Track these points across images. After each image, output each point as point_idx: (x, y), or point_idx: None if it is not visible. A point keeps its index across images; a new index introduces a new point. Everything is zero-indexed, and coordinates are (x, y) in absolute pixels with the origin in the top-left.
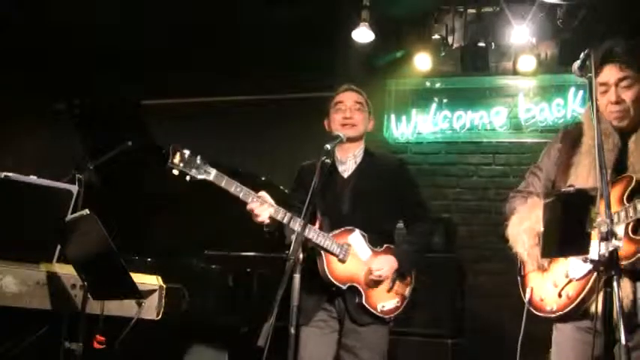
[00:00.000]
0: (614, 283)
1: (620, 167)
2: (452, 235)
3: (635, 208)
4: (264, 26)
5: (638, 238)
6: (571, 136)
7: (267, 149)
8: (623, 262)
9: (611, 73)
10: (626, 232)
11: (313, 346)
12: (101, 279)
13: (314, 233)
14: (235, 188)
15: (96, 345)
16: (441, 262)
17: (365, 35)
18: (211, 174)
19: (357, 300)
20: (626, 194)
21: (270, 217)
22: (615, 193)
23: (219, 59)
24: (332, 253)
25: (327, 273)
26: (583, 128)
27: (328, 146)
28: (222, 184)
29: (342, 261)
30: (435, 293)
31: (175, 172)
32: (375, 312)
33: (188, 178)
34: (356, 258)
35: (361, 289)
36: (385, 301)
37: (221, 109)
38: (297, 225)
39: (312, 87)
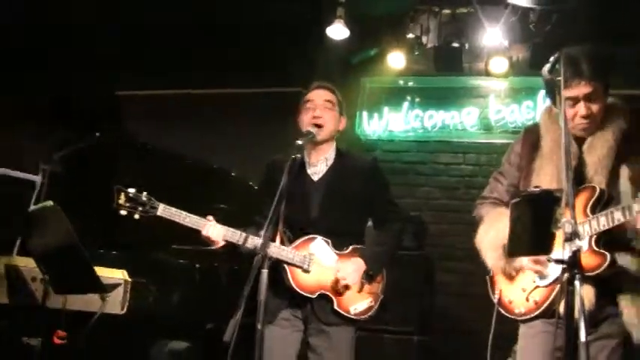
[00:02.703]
0: (576, 282)
1: (578, 175)
2: (421, 233)
3: (598, 222)
4: (241, 22)
5: (601, 251)
6: (530, 138)
7: (241, 144)
8: (587, 274)
9: (580, 88)
10: (590, 245)
11: (276, 344)
12: (63, 272)
13: (274, 249)
14: (184, 219)
15: (56, 341)
16: (410, 259)
17: (340, 32)
18: (158, 209)
19: (328, 306)
20: (589, 205)
21: (226, 240)
22: (579, 202)
23: (195, 54)
24: (295, 266)
25: (294, 285)
26: (541, 131)
27: (300, 142)
28: (171, 217)
29: (307, 271)
30: (403, 291)
31: (123, 212)
32: (348, 315)
33: (137, 216)
34: (321, 266)
35: (331, 295)
36: (357, 303)
37: (196, 103)
38: (253, 243)
39: (287, 82)
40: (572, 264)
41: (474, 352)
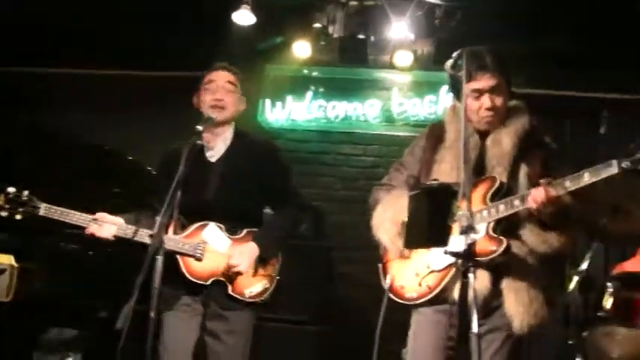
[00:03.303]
0: (470, 275)
1: (479, 166)
2: (321, 223)
3: (497, 209)
4: (146, 3)
5: (496, 236)
6: (434, 133)
7: (143, 128)
8: (482, 258)
9: (485, 80)
10: (487, 231)
11: (176, 331)
12: None
13: (165, 241)
14: (70, 217)
15: None
16: (310, 249)
17: (246, 18)
18: (40, 208)
19: (223, 291)
20: (489, 194)
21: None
22: (479, 192)
23: (98, 32)
24: (187, 255)
25: (187, 274)
26: (445, 126)
27: (200, 127)
28: (54, 216)
29: (200, 260)
30: (302, 280)
31: (3, 213)
32: (243, 299)
33: (18, 217)
34: (214, 252)
35: (225, 281)
36: (252, 286)
37: (97, 84)
38: (145, 238)
39: (190, 66)
40: (467, 256)
41: (371, 341)
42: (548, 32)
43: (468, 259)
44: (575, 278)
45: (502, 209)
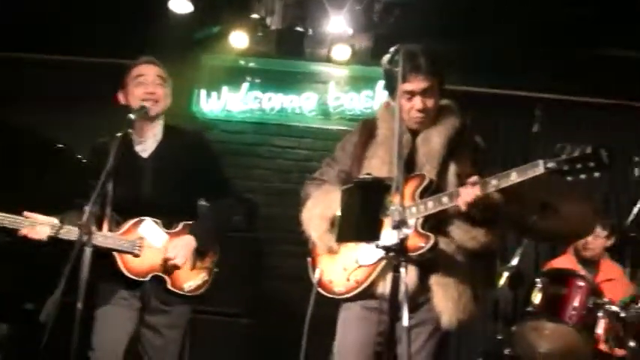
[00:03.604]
0: (402, 269)
1: (409, 164)
2: (254, 215)
3: (426, 206)
4: None
5: (424, 232)
6: (366, 129)
7: (71, 115)
8: (411, 254)
9: (417, 83)
10: (416, 227)
11: (110, 325)
12: None
13: (101, 238)
14: (1, 221)
15: None
16: (242, 242)
17: (183, 6)
18: None
19: (162, 286)
20: (418, 191)
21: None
22: (409, 188)
23: (27, 15)
24: (125, 252)
25: (125, 271)
26: (377, 122)
27: (132, 116)
28: None
29: (137, 256)
30: (233, 273)
31: None
32: (182, 293)
33: None
34: (151, 248)
35: (163, 276)
36: (191, 280)
37: (28, 69)
38: (74, 235)
39: (124, 54)
40: (399, 251)
41: (300, 335)
42: (486, 31)
43: (400, 253)
44: (506, 274)
45: (430, 206)
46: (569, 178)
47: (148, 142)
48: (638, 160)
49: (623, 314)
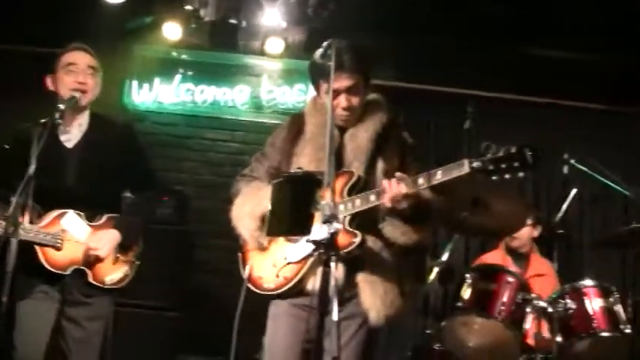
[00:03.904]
0: (332, 263)
1: (337, 161)
2: (184, 208)
3: (354, 203)
4: None
5: (351, 230)
6: (295, 125)
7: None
8: (340, 251)
9: (341, 81)
10: (343, 224)
11: (30, 318)
12: None
13: (23, 231)
14: None
15: None
16: (172, 235)
17: None
18: None
19: (83, 279)
20: (346, 188)
21: None
22: (337, 185)
23: None
24: (46, 246)
25: (46, 264)
26: (305, 118)
27: (61, 106)
28: None
29: (59, 249)
30: (161, 266)
31: None
32: (103, 286)
33: None
34: (73, 241)
35: (85, 269)
36: (113, 274)
37: None
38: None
39: (53, 42)
40: (329, 246)
41: (229, 330)
42: (420, 26)
43: (330, 248)
44: (436, 269)
45: (358, 204)
46: (494, 178)
47: (73, 132)
48: (567, 158)
49: (550, 310)
